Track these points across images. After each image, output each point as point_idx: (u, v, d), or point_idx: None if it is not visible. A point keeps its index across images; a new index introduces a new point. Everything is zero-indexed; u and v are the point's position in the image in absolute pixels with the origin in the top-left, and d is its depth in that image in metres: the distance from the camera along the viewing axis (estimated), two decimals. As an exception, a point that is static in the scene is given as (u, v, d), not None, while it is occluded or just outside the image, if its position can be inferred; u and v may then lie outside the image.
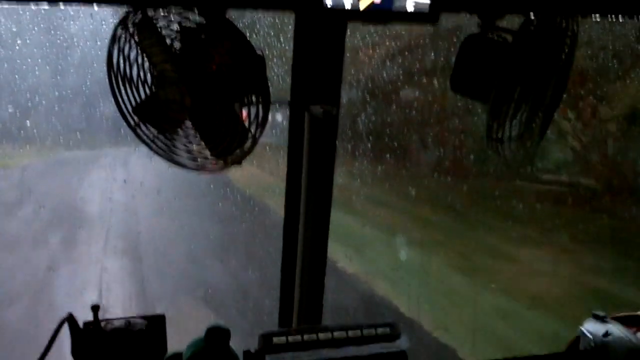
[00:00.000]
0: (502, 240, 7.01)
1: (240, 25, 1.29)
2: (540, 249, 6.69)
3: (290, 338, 1.41)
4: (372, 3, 1.23)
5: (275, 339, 1.40)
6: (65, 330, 1.36)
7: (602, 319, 1.61)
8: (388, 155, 7.56)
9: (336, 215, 1.86)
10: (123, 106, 1.40)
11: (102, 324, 1.38)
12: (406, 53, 7.21)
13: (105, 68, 1.37)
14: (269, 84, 1.34)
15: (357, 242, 7.11)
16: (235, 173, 7.64)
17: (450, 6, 1.32)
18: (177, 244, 6.92)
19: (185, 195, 7.53)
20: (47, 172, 8.33)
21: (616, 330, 1.56)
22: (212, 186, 7.50)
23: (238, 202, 7.65)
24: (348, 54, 1.66)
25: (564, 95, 1.60)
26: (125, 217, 7.55)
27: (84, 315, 1.39)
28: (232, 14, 1.30)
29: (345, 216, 7.21)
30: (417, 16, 1.27)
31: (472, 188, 7.35)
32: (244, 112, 1.34)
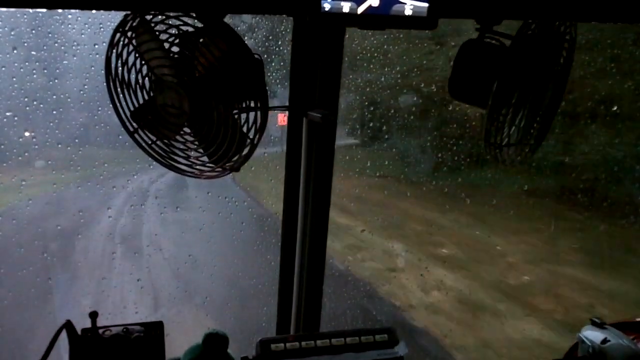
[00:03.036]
0: None
1: (239, 29, 1.29)
2: None
3: (288, 345, 1.40)
4: (370, 7, 1.24)
5: (273, 346, 1.40)
6: (64, 337, 1.35)
7: (600, 326, 1.61)
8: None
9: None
10: (121, 112, 1.40)
11: (100, 331, 1.37)
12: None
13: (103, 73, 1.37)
14: (267, 88, 1.33)
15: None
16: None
17: (449, 11, 1.32)
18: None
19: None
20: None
21: (615, 336, 1.55)
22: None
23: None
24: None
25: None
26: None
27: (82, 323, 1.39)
28: (230, 18, 1.30)
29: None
30: (416, 21, 1.27)
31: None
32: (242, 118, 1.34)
